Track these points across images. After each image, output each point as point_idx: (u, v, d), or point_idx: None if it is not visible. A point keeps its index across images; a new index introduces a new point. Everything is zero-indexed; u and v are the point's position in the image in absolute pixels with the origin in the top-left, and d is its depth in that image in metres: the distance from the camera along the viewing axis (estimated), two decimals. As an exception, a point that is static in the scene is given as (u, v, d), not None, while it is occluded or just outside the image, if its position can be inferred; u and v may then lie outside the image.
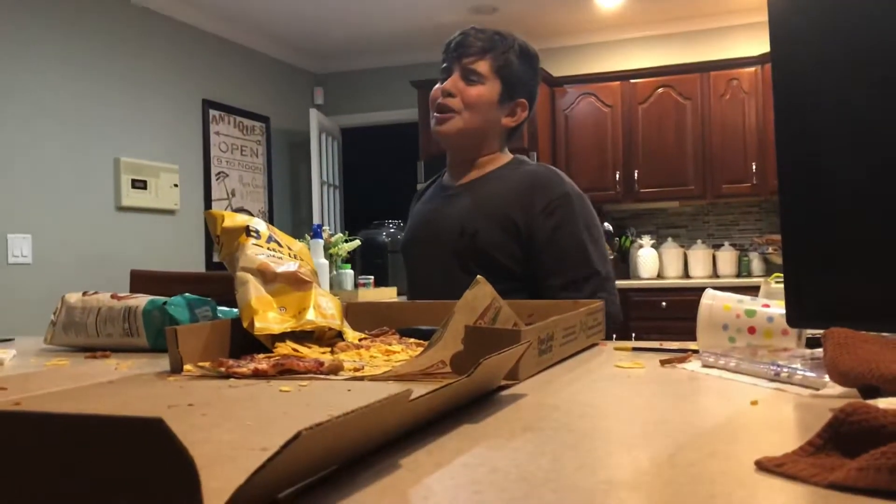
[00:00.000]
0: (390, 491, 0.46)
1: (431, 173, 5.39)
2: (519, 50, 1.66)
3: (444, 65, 1.68)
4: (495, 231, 1.57)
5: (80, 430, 0.38)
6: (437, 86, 1.68)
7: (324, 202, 5.91)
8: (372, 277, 4.12)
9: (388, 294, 4.07)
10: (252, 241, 1.16)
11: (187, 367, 0.96)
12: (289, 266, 1.15)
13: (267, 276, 1.12)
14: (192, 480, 0.36)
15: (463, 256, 1.59)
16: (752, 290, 1.82)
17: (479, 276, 0.94)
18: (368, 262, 4.39)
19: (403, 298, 4.13)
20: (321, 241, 3.69)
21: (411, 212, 1.87)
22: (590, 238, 1.58)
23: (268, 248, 1.17)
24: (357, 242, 4.09)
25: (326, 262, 3.73)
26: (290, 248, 1.21)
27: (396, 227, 4.60)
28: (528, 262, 1.57)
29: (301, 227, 5.92)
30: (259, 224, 1.21)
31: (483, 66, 1.63)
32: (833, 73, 0.76)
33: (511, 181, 1.63)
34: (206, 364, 0.95)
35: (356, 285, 4.04)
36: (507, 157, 1.73)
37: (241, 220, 1.21)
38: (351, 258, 4.16)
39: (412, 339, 1.17)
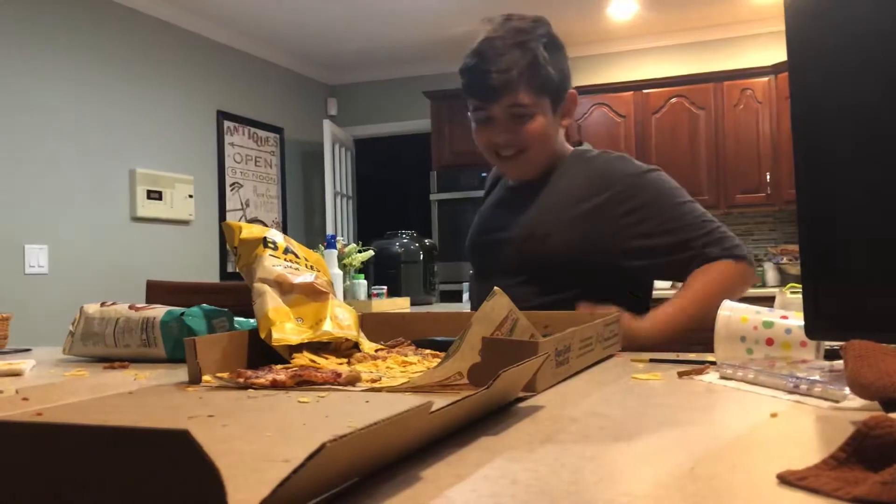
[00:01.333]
0: (411, 503, 0.46)
1: (445, 183, 5.44)
2: (545, 49, 1.48)
3: (474, 106, 1.51)
4: (573, 229, 1.46)
5: (106, 442, 0.38)
6: (476, 128, 1.54)
7: (337, 213, 5.92)
8: (385, 288, 4.13)
9: (402, 304, 4.07)
10: (269, 252, 1.17)
11: (206, 377, 0.96)
12: (305, 277, 1.15)
13: (284, 288, 1.13)
14: (218, 492, 0.36)
15: (537, 262, 1.49)
16: (767, 301, 1.80)
17: (496, 288, 0.94)
18: (382, 273, 4.39)
19: (417, 309, 4.14)
20: (335, 252, 3.70)
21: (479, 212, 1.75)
22: (683, 200, 1.48)
23: (285, 260, 1.17)
24: (370, 253, 4.10)
25: (340, 273, 3.74)
26: (306, 259, 1.22)
27: (409, 237, 4.61)
28: (623, 255, 1.45)
29: (314, 237, 5.94)
30: (276, 235, 1.22)
31: (524, 97, 1.46)
32: (850, 83, 0.76)
33: (579, 175, 1.52)
34: (225, 375, 0.96)
35: (369, 296, 4.04)
36: (567, 148, 1.61)
37: (258, 231, 1.21)
38: (364, 269, 4.17)
39: (428, 350, 1.17)
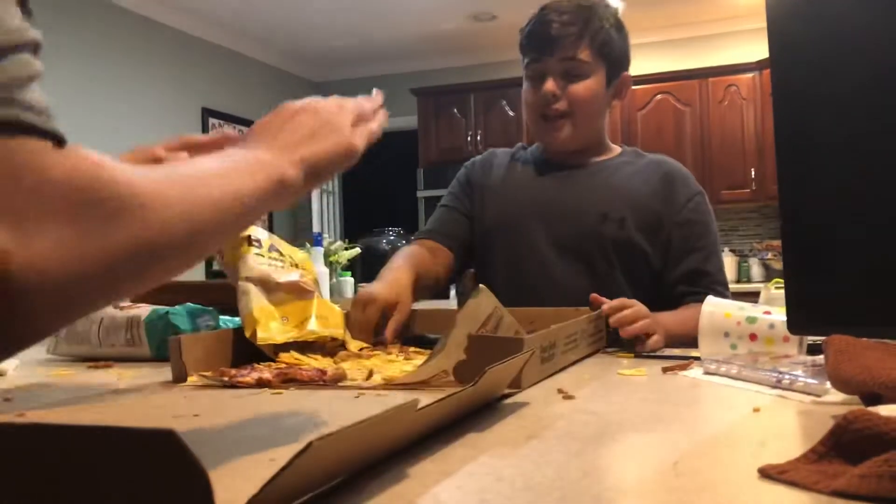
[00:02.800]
0: (398, 500, 0.46)
1: (431, 180, 5.43)
2: (614, 20, 1.49)
3: (531, 60, 1.48)
4: (640, 220, 1.45)
5: (90, 443, 0.38)
6: (528, 87, 1.50)
7: (323, 210, 5.92)
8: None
9: (389, 301, 4.06)
10: (254, 250, 1.16)
11: (191, 377, 0.96)
12: (291, 276, 1.15)
13: (269, 286, 1.12)
14: (205, 492, 0.36)
15: (606, 245, 1.44)
16: (752, 296, 1.83)
17: (481, 286, 0.95)
18: (369, 270, 4.39)
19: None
20: (321, 249, 3.70)
21: (481, 185, 1.60)
22: (715, 241, 1.50)
23: (269, 258, 1.17)
24: (357, 250, 4.10)
25: (327, 270, 3.74)
26: (291, 258, 1.22)
27: (396, 234, 4.61)
28: (663, 251, 1.47)
29: (301, 234, 5.93)
30: (261, 233, 1.21)
31: (584, 54, 1.44)
32: (833, 79, 0.76)
33: (645, 172, 1.51)
34: (209, 373, 0.95)
35: (356, 293, 4.04)
36: (613, 144, 1.60)
37: (241, 229, 1.21)
38: (351, 266, 4.17)
39: (412, 348, 1.17)
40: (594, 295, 1.23)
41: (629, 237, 1.44)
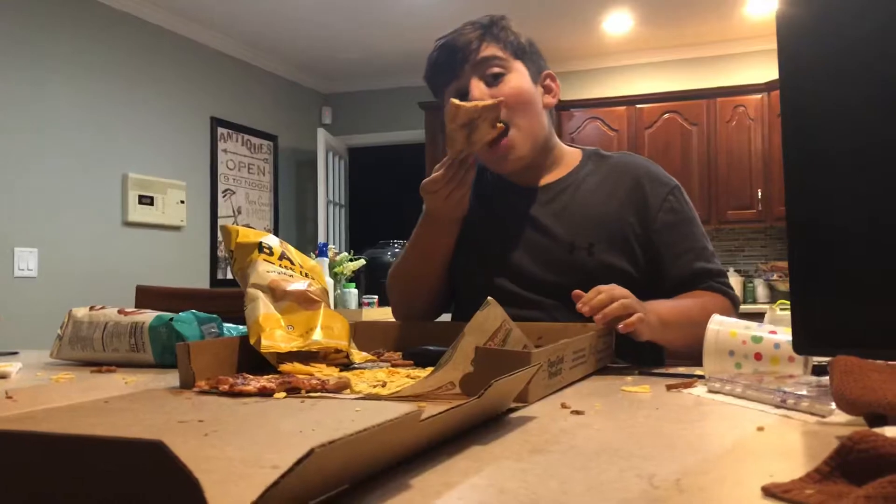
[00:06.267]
0: (400, 510, 0.46)
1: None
2: (501, 19, 1.42)
3: (445, 81, 1.41)
4: (611, 240, 1.36)
5: (80, 452, 0.38)
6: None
7: (329, 221, 5.93)
8: (376, 297, 4.13)
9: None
10: (264, 257, 1.17)
11: (198, 383, 0.96)
12: (299, 284, 1.15)
13: (276, 294, 1.13)
14: (198, 501, 0.36)
15: (578, 274, 1.33)
16: (757, 317, 1.82)
17: (489, 298, 0.95)
18: (373, 282, 4.39)
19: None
20: (326, 260, 3.70)
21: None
22: (702, 233, 1.42)
23: (279, 266, 1.17)
24: (362, 262, 4.10)
25: (331, 281, 3.74)
26: (301, 266, 1.22)
27: (401, 246, 4.61)
28: (648, 261, 1.39)
29: (306, 245, 5.94)
30: (272, 241, 1.22)
31: (495, 50, 1.37)
32: (841, 96, 0.76)
33: (610, 182, 1.42)
34: (203, 383, 0.95)
35: (360, 304, 4.04)
36: (572, 149, 1.51)
37: (254, 235, 1.22)
38: (356, 277, 4.17)
39: (412, 362, 1.16)
40: (576, 291, 1.15)
41: (601, 262, 1.35)
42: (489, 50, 1.37)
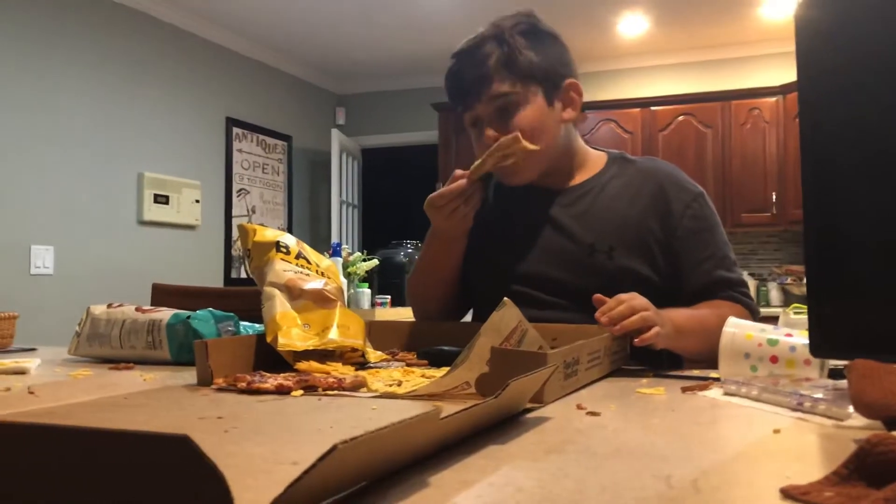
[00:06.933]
0: (419, 507, 0.47)
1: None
2: (524, 36, 1.37)
3: (461, 110, 1.42)
4: (632, 244, 1.36)
5: (106, 445, 0.39)
6: (472, 136, 1.43)
7: (343, 221, 5.94)
8: (389, 297, 4.14)
9: (405, 314, 4.08)
10: (281, 256, 1.18)
11: (216, 380, 0.97)
12: (315, 283, 1.16)
13: (293, 293, 1.13)
14: (224, 495, 0.37)
15: (597, 276, 1.33)
16: (771, 321, 1.81)
17: (505, 299, 0.95)
18: (386, 282, 4.40)
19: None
20: (339, 260, 3.72)
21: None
22: (724, 241, 1.42)
23: (296, 264, 1.18)
24: (375, 262, 4.12)
25: (345, 281, 3.75)
26: (318, 266, 1.23)
27: (414, 247, 4.62)
28: (669, 266, 1.38)
29: (320, 245, 5.93)
30: (289, 240, 1.23)
31: (501, 85, 1.35)
32: (859, 100, 0.76)
33: (634, 186, 1.42)
34: (220, 380, 0.96)
35: (373, 304, 4.05)
36: (598, 153, 1.51)
37: (271, 234, 1.23)
38: (369, 277, 4.18)
39: (428, 361, 1.17)
40: (597, 295, 1.15)
41: (620, 266, 1.34)
42: (501, 87, 1.35)
